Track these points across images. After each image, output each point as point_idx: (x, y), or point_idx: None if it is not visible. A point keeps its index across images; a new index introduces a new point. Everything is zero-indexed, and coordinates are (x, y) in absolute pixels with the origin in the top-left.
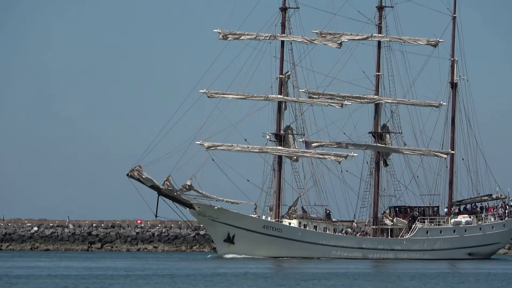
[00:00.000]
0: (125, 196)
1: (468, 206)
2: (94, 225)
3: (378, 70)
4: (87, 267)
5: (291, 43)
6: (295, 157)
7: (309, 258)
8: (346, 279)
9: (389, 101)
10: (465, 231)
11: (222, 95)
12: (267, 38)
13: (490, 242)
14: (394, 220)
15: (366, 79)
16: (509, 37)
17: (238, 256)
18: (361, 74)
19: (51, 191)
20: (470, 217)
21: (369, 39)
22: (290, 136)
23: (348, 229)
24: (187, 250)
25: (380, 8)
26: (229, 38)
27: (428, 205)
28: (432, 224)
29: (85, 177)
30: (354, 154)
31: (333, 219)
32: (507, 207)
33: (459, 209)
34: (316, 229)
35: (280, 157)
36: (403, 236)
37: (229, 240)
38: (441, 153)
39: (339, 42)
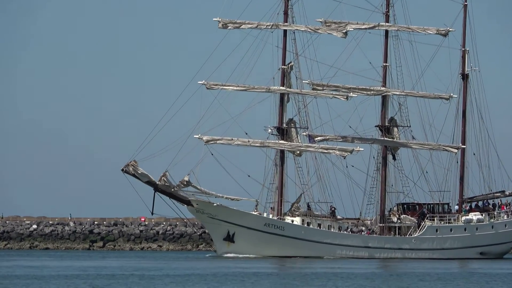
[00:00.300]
0: (128, 193)
1: (480, 203)
2: (96, 222)
3: (386, 61)
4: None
5: (294, 33)
6: (298, 152)
7: (313, 257)
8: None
9: (397, 93)
10: (477, 229)
11: (221, 87)
12: (269, 27)
13: (503, 241)
14: (402, 218)
15: (373, 70)
16: None
17: (239, 255)
18: (367, 65)
19: (51, 188)
20: (481, 215)
21: (376, 28)
22: (293, 129)
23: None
24: (193, 249)
25: None
26: (229, 27)
27: (438, 202)
28: (442, 222)
29: (86, 174)
30: (360, 149)
31: (338, 217)
32: None
33: (470, 206)
34: (320, 227)
35: (282, 152)
36: (411, 235)
37: (229, 238)
38: (451, 147)
39: (344, 31)
